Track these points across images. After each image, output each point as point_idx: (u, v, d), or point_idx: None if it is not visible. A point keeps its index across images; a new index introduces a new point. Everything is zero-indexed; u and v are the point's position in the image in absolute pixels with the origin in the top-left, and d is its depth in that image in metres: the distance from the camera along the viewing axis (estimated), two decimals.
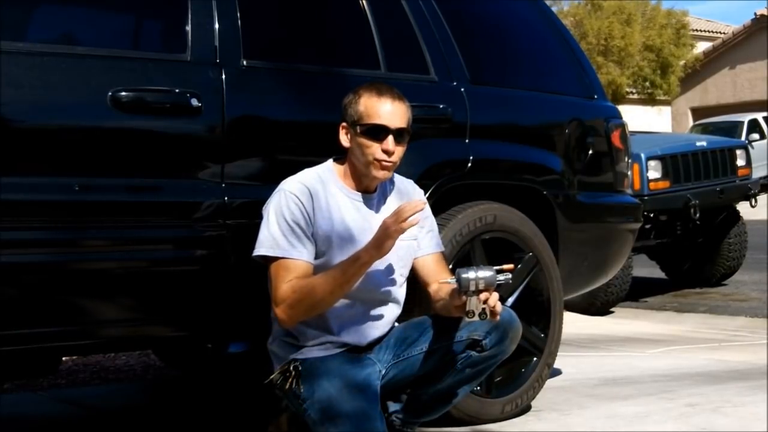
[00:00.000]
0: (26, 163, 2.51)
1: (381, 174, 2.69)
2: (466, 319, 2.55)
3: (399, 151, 2.69)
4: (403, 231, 2.49)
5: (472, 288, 2.46)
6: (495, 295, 2.51)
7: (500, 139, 3.60)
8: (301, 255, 2.60)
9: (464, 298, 2.49)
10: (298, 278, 2.58)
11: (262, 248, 2.62)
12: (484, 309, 2.49)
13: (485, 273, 2.47)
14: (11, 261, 2.47)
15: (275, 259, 2.60)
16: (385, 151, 2.65)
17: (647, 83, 24.59)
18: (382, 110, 2.66)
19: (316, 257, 2.65)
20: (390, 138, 2.65)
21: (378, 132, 2.65)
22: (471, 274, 2.46)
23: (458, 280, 2.48)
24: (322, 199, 2.66)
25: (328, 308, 2.61)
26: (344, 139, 2.72)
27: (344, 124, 2.72)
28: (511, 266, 2.56)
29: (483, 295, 2.49)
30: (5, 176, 2.45)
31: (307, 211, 2.62)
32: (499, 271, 2.50)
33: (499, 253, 3.37)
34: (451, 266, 3.01)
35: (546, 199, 3.62)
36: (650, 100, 25.53)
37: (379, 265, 2.71)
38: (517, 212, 3.45)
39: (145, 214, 2.72)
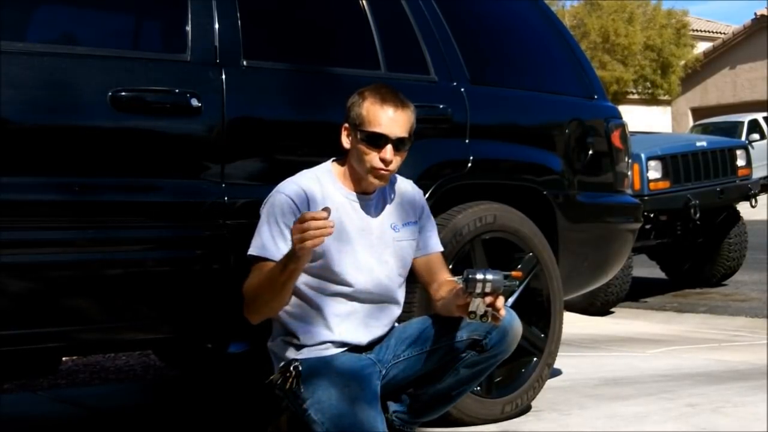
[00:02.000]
0: (26, 163, 2.51)
1: (377, 182, 2.69)
2: (467, 320, 2.55)
3: (397, 160, 2.69)
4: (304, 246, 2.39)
5: (479, 290, 2.46)
6: (501, 300, 2.51)
7: (500, 139, 3.60)
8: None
9: (468, 298, 2.49)
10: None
11: (252, 248, 2.63)
12: (486, 312, 2.49)
13: (494, 276, 2.47)
14: (11, 261, 2.47)
15: (263, 259, 2.60)
16: (383, 160, 2.65)
17: (648, 83, 24.60)
18: (383, 118, 2.65)
19: (315, 260, 2.64)
20: (389, 147, 2.65)
21: (377, 140, 2.65)
22: (479, 276, 2.47)
23: (466, 280, 2.48)
24: (319, 201, 2.65)
25: (275, 309, 2.61)
26: (345, 141, 2.72)
27: (346, 125, 2.72)
28: (520, 274, 2.56)
29: (488, 299, 2.49)
30: (5, 176, 2.45)
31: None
32: (506, 277, 2.50)
33: (499, 253, 3.38)
34: (451, 266, 3.01)
35: (546, 199, 3.62)
36: (652, 100, 25.54)
37: (378, 266, 2.71)
38: (517, 212, 3.45)
39: (146, 214, 2.72)
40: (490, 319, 2.50)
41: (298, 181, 2.68)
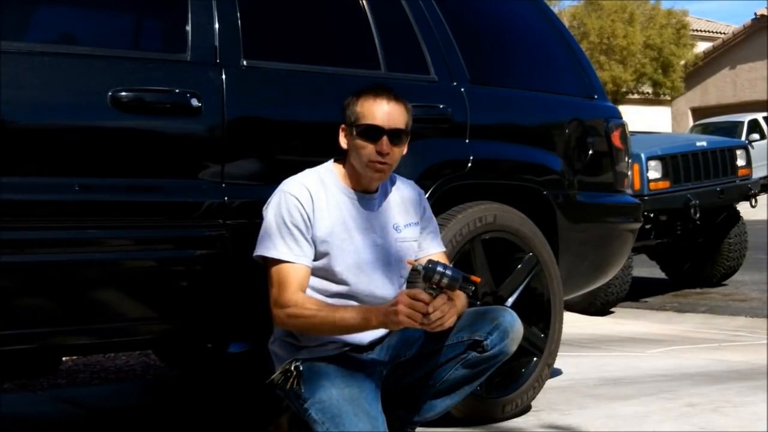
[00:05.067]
0: (26, 163, 2.51)
1: (376, 176, 2.69)
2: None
3: (396, 153, 2.69)
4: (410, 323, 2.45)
5: (435, 279, 2.45)
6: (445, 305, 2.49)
7: (500, 139, 3.60)
8: (299, 258, 2.60)
9: (424, 288, 2.47)
10: (304, 293, 2.59)
11: (261, 249, 2.63)
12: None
13: (453, 273, 2.46)
14: (12, 261, 2.47)
15: (275, 261, 2.60)
16: (380, 152, 2.65)
17: (649, 82, 24.57)
18: (378, 111, 2.66)
19: (318, 258, 2.65)
20: (384, 139, 2.65)
21: (372, 133, 2.65)
22: (440, 268, 2.46)
23: (425, 268, 2.47)
24: (322, 200, 2.66)
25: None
26: (343, 141, 2.72)
27: (343, 125, 2.73)
28: (478, 279, 2.56)
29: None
30: (5, 176, 2.45)
31: (306, 213, 2.62)
32: (464, 279, 2.49)
33: (499, 253, 3.38)
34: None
35: (546, 199, 3.62)
36: (652, 100, 25.52)
37: (380, 266, 2.71)
38: (517, 212, 3.45)
39: (145, 214, 2.72)
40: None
41: (301, 180, 2.68)
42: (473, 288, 2.54)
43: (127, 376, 4.66)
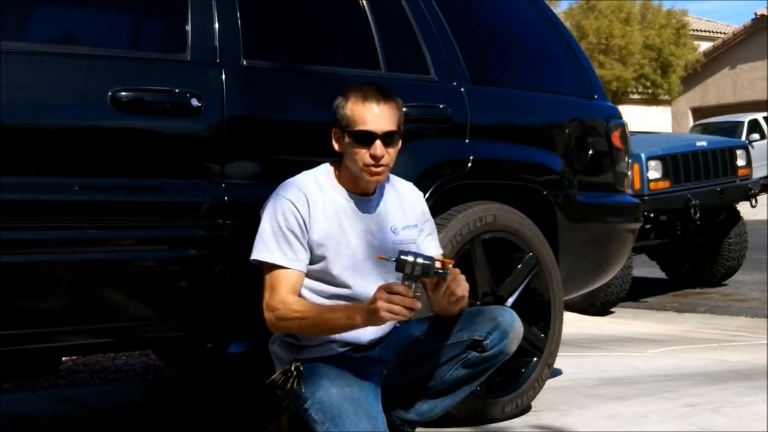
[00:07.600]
0: (26, 163, 2.51)
1: (373, 179, 2.69)
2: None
3: (391, 153, 2.67)
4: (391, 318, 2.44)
5: (408, 270, 2.45)
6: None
7: (500, 139, 3.60)
8: (292, 263, 2.60)
9: (405, 281, 2.46)
10: (296, 296, 2.59)
11: (255, 253, 2.62)
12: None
13: (424, 261, 2.45)
14: (11, 261, 2.47)
15: (268, 265, 2.60)
16: (374, 156, 2.64)
17: (648, 82, 24.57)
18: (368, 115, 2.64)
19: (315, 262, 2.64)
20: (378, 143, 2.64)
21: (365, 138, 2.64)
22: (410, 258, 2.45)
23: (396, 260, 2.46)
24: (319, 203, 2.65)
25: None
26: (336, 144, 2.71)
27: (335, 128, 2.71)
28: (450, 261, 2.55)
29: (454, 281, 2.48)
30: (5, 176, 2.45)
31: (302, 218, 2.62)
32: (436, 263, 2.48)
33: (499, 253, 3.38)
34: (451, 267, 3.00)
35: (546, 199, 3.62)
36: (652, 100, 25.52)
37: (377, 268, 2.71)
38: (517, 212, 3.45)
39: (145, 214, 2.72)
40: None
41: (297, 184, 2.67)
42: (446, 271, 2.52)
43: (127, 376, 4.65)
